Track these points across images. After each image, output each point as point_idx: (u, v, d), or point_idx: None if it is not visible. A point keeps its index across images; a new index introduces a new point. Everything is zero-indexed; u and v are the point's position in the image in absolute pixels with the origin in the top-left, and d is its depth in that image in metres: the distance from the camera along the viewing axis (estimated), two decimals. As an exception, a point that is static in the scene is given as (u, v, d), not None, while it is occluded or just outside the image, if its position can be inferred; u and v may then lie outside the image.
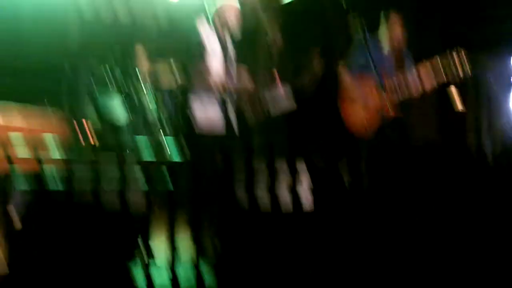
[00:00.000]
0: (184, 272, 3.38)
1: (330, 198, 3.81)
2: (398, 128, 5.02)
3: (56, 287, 3.08)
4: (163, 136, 6.92)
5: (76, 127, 6.65)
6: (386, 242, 3.59)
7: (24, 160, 3.08)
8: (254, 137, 4.94)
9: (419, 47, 5.47)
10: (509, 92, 5.97)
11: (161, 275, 3.33)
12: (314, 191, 3.82)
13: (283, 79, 5.55)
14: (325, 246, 3.55)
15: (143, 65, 7.10)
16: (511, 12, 5.69)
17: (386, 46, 5.11)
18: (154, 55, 7.65)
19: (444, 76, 4.82)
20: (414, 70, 4.91)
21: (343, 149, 5.16)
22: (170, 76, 6.94)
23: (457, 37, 5.33)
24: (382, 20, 5.12)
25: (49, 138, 3.45)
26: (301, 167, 3.79)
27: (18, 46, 6.82)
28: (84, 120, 6.68)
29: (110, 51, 7.19)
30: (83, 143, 6.39)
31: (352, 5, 5.26)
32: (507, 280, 3.39)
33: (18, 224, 3.19)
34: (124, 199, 3.15)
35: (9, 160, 2.94)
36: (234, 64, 4.61)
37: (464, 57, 4.74)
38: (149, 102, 6.89)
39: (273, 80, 5.35)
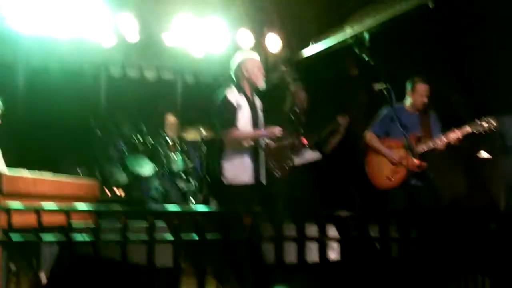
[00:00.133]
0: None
1: (359, 257, 3.73)
2: (424, 184, 5.02)
3: None
4: (190, 187, 6.99)
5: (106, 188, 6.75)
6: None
7: (53, 213, 3.11)
8: (281, 189, 4.95)
9: (446, 110, 5.55)
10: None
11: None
12: (342, 249, 3.76)
13: (308, 133, 5.60)
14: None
15: (170, 120, 7.26)
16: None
17: (412, 108, 5.19)
18: (181, 110, 7.85)
19: (472, 137, 4.90)
20: (440, 132, 4.98)
21: (369, 204, 5.12)
22: (197, 130, 7.09)
23: (483, 100, 5.34)
24: (409, 83, 5.22)
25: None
26: (329, 225, 3.74)
27: (49, 115, 7.04)
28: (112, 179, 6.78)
29: (137, 108, 7.39)
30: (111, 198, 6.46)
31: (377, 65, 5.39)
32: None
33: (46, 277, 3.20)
34: (150, 252, 3.13)
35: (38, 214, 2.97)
36: (261, 116, 4.64)
37: (493, 120, 4.78)
38: (176, 155, 7.00)
39: (299, 134, 5.39)
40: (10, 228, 2.98)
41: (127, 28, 6.86)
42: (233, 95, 4.57)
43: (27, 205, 3.16)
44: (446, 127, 5.00)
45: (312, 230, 3.46)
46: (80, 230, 3.25)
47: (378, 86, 4.91)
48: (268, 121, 4.69)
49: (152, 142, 7.10)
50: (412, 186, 4.93)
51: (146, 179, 6.86)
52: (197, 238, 3.12)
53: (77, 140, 7.12)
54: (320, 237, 3.34)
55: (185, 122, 7.41)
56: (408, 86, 5.23)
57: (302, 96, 5.82)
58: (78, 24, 6.68)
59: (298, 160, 5.24)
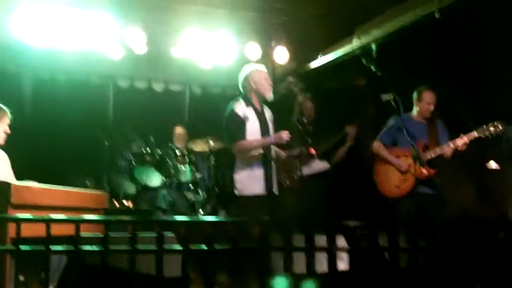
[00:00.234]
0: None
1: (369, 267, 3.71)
2: (432, 192, 5.01)
3: None
4: (198, 198, 7.00)
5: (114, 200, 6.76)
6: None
7: (61, 224, 3.11)
8: (290, 199, 4.94)
9: (453, 119, 5.56)
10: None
11: None
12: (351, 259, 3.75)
13: (316, 144, 5.61)
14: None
15: (178, 131, 7.28)
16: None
17: (419, 117, 5.19)
18: (189, 122, 7.88)
19: (480, 147, 4.92)
20: (448, 139, 4.99)
21: (378, 213, 5.12)
22: (205, 141, 7.11)
23: (490, 109, 5.34)
24: (415, 93, 5.24)
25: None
26: (338, 235, 3.72)
27: (56, 127, 7.07)
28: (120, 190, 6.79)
29: (145, 119, 7.42)
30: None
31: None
32: None
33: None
34: (159, 262, 3.12)
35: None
36: (271, 127, 4.65)
37: (499, 124, 4.79)
38: (184, 166, 7.01)
39: (307, 144, 5.39)
40: (19, 238, 2.99)
41: (135, 40, 6.89)
42: (240, 108, 4.61)
43: (36, 215, 3.17)
44: (454, 135, 5.00)
45: (321, 240, 3.45)
46: (89, 241, 3.25)
47: (385, 96, 4.95)
48: (276, 132, 4.71)
49: (160, 153, 7.12)
50: (420, 194, 4.93)
51: (154, 190, 6.88)
52: (205, 248, 3.12)
53: (84, 152, 7.15)
54: (329, 247, 3.33)
55: (193, 133, 7.43)
56: (415, 96, 5.25)
57: (309, 106, 5.82)
58: (86, 36, 6.71)
59: (306, 170, 5.24)
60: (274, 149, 4.68)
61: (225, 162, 6.52)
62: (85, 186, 6.62)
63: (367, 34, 6.64)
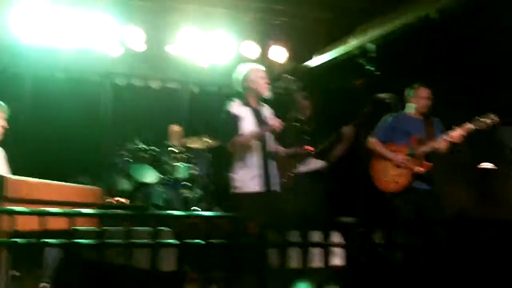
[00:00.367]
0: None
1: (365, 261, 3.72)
2: (428, 187, 5.03)
3: None
4: (194, 195, 7.01)
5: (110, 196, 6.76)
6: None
7: (57, 218, 3.10)
8: (286, 197, 4.95)
9: (450, 118, 5.58)
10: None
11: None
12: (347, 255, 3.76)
13: (313, 143, 5.61)
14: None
15: (175, 129, 7.28)
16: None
17: (415, 113, 5.22)
18: (186, 120, 7.89)
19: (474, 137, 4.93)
20: (443, 134, 5.00)
21: (374, 210, 5.13)
22: (201, 139, 7.12)
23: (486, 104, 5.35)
24: (410, 90, 5.26)
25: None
26: (335, 231, 3.73)
27: (54, 124, 7.07)
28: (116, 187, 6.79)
29: (142, 117, 7.42)
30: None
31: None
32: None
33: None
34: (154, 256, 3.12)
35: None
36: (267, 126, 4.65)
37: (494, 116, 4.81)
38: (180, 163, 7.02)
39: (303, 142, 5.40)
40: (14, 232, 2.98)
41: (133, 39, 6.89)
42: (235, 108, 4.64)
43: (31, 209, 3.17)
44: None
45: (316, 236, 3.46)
46: (84, 235, 3.25)
47: (382, 95, 4.96)
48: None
49: (156, 150, 7.12)
50: (417, 190, 4.94)
51: (150, 187, 6.88)
52: (201, 243, 3.12)
53: (82, 149, 7.14)
54: (325, 243, 3.33)
55: (190, 131, 7.43)
56: (409, 93, 5.25)
57: (306, 105, 5.83)
58: (84, 34, 6.72)
59: (302, 168, 5.24)
60: (273, 146, 4.67)
61: (222, 160, 6.55)
62: (81, 183, 6.62)
63: (365, 34, 6.65)
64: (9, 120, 4.71)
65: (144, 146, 7.11)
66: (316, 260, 3.47)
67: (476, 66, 5.83)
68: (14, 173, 4.66)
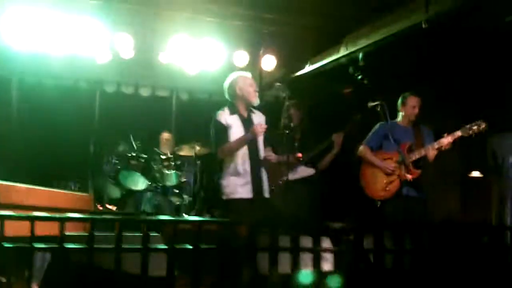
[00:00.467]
0: None
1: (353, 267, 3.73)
2: (416, 194, 5.07)
3: None
4: (183, 202, 6.99)
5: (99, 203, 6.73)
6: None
7: (46, 222, 3.08)
8: (275, 203, 4.95)
9: (439, 122, 5.63)
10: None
11: None
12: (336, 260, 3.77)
13: (303, 150, 5.63)
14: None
15: (165, 136, 7.27)
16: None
17: (404, 122, 5.26)
18: (175, 127, 7.88)
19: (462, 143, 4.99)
20: (432, 141, 5.06)
21: (364, 216, 5.15)
22: (191, 146, 7.11)
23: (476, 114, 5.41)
24: (400, 99, 5.31)
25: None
26: (324, 238, 3.74)
27: (43, 130, 7.04)
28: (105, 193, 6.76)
29: (131, 124, 7.40)
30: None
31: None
32: None
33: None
34: (144, 261, 3.11)
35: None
36: (256, 132, 4.66)
37: (482, 123, 4.87)
38: (170, 170, 7.00)
39: (293, 150, 5.41)
40: (3, 236, 2.95)
41: (123, 46, 6.88)
42: (224, 117, 4.68)
43: (21, 214, 3.14)
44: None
45: (306, 241, 3.46)
46: (73, 239, 3.23)
47: (372, 104, 5.00)
48: (266, 137, 4.78)
49: (146, 157, 7.10)
50: (406, 197, 4.98)
51: (139, 194, 6.86)
52: (190, 247, 3.12)
53: (70, 155, 7.12)
54: (315, 248, 3.34)
55: (180, 138, 7.43)
56: (400, 102, 5.32)
57: (296, 113, 5.85)
58: (73, 41, 6.70)
59: (292, 175, 5.25)
60: (264, 152, 4.69)
61: (212, 167, 6.54)
62: (70, 190, 6.59)
63: (355, 43, 6.70)
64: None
65: (133, 153, 7.09)
66: (306, 265, 3.47)
67: (466, 74, 5.89)
68: (2, 178, 4.63)
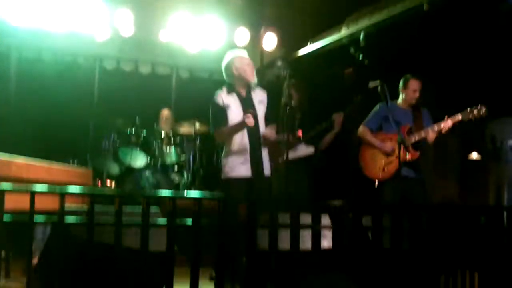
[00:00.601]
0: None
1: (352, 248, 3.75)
2: (415, 176, 5.09)
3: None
4: (182, 180, 7.00)
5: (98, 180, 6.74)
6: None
7: (46, 196, 3.08)
8: (275, 182, 4.97)
9: (440, 105, 5.63)
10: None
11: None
12: (336, 240, 3.78)
13: (303, 130, 5.62)
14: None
15: (165, 114, 7.25)
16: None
17: (405, 104, 5.26)
18: (175, 105, 7.86)
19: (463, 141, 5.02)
20: (432, 124, 5.08)
21: (363, 196, 5.17)
22: (191, 124, 7.10)
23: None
24: (402, 81, 5.30)
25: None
26: (324, 216, 3.76)
27: (42, 107, 7.01)
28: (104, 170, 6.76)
29: (131, 101, 7.37)
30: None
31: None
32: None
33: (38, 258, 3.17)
34: (144, 236, 3.12)
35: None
36: (260, 108, 4.65)
37: (483, 107, 4.88)
38: (170, 148, 7.00)
39: (293, 129, 5.41)
40: (2, 209, 2.96)
41: (123, 22, 6.84)
42: (221, 97, 4.65)
43: (20, 186, 3.14)
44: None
45: (306, 218, 3.48)
46: (73, 213, 3.24)
47: (372, 84, 4.98)
48: (267, 113, 4.74)
49: (145, 134, 7.08)
50: (404, 178, 5.00)
51: (138, 171, 6.85)
52: (190, 223, 3.12)
53: (69, 131, 7.09)
54: (314, 225, 3.36)
55: (180, 116, 7.40)
56: (401, 84, 5.31)
57: (297, 92, 5.84)
58: (73, 17, 6.66)
59: (292, 154, 5.24)
60: (264, 130, 4.67)
61: (212, 145, 6.54)
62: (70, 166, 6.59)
63: (356, 23, 6.67)
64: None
65: (133, 130, 7.07)
66: (305, 242, 3.49)
67: (467, 58, 5.87)
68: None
